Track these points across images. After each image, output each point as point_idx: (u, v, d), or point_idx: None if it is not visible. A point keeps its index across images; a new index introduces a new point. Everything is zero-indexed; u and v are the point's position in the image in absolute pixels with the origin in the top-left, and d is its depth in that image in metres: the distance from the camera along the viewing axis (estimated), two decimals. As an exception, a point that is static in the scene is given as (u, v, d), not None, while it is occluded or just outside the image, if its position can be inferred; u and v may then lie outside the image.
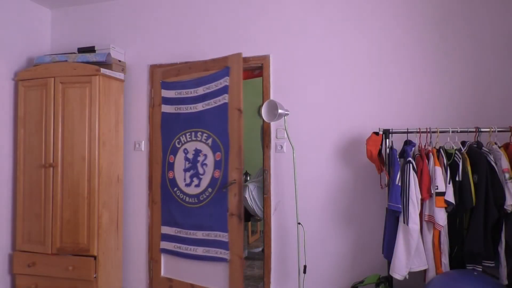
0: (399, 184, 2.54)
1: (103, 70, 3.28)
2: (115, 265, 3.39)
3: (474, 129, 2.60)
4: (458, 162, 2.49)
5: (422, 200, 2.54)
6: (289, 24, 3.27)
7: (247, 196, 4.62)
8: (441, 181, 2.47)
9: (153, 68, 3.55)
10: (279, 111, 2.88)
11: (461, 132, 2.62)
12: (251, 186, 4.69)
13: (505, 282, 2.39)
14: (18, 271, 3.33)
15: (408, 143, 2.72)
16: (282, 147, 3.25)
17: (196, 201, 3.22)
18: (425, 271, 2.56)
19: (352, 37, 3.14)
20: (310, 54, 3.22)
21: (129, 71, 3.64)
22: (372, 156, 2.74)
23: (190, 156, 3.29)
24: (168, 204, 3.38)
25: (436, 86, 2.95)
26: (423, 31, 2.99)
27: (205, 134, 3.21)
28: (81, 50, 3.54)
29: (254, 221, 5.22)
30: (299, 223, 2.97)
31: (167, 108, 3.44)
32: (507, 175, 2.39)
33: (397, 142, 2.79)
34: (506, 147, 2.54)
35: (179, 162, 3.34)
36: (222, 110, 3.14)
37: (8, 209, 3.42)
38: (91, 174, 3.21)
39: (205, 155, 3.20)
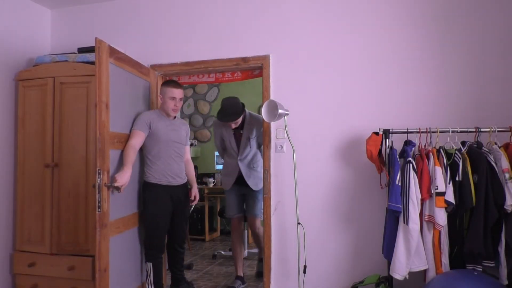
0: (399, 184, 2.54)
1: (103, 70, 3.27)
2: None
3: (474, 129, 2.60)
4: (458, 162, 2.49)
5: (422, 200, 2.54)
6: (289, 24, 3.27)
7: None
8: (441, 181, 2.47)
9: (153, 68, 3.55)
10: (279, 111, 2.88)
11: (461, 132, 2.62)
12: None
13: (505, 282, 2.39)
14: (18, 271, 3.34)
15: (408, 143, 2.72)
16: (282, 147, 3.25)
17: None
18: (425, 271, 2.56)
19: (352, 37, 3.14)
20: (310, 54, 3.22)
21: (129, 71, 3.64)
22: (372, 156, 2.74)
23: None
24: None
25: (436, 86, 2.95)
26: (423, 31, 2.99)
27: None
28: (81, 50, 3.54)
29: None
30: (299, 223, 2.97)
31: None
32: (507, 175, 2.39)
33: (397, 142, 2.79)
34: (506, 147, 2.54)
35: None
36: None
37: (8, 209, 3.42)
38: (91, 174, 3.21)
39: None
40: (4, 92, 3.42)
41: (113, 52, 2.82)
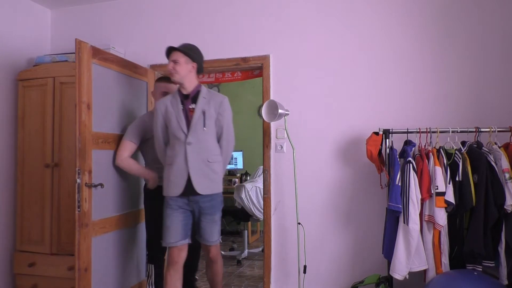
0: (399, 184, 2.54)
1: (103, 70, 3.27)
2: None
3: (474, 129, 2.60)
4: (458, 162, 2.49)
5: (422, 200, 2.54)
6: (289, 24, 3.27)
7: (243, 196, 4.61)
8: (441, 181, 2.47)
9: (153, 68, 3.54)
10: (279, 111, 2.88)
11: (461, 132, 2.62)
12: (248, 186, 4.68)
13: (505, 282, 2.39)
14: (18, 271, 3.34)
15: (408, 143, 2.72)
16: (282, 147, 3.25)
17: None
18: (425, 271, 2.56)
19: (352, 37, 3.14)
20: (310, 54, 3.22)
21: (129, 71, 3.63)
22: (372, 156, 2.74)
23: None
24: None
25: (436, 86, 2.95)
26: (423, 31, 2.99)
27: None
28: (81, 50, 3.54)
29: (254, 221, 5.21)
30: (299, 223, 2.97)
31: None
32: (507, 175, 2.39)
33: (397, 142, 2.79)
34: (506, 147, 2.54)
35: None
36: None
37: (8, 209, 3.42)
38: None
39: None
40: (4, 92, 3.42)
41: (97, 52, 2.81)
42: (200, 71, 2.72)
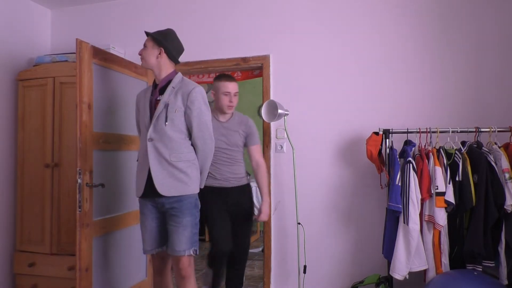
0: (399, 184, 2.54)
1: (103, 70, 3.27)
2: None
3: (474, 129, 2.60)
4: (458, 162, 2.49)
5: (422, 200, 2.54)
6: (289, 24, 3.27)
7: None
8: (441, 181, 2.47)
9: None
10: (279, 111, 2.88)
11: (461, 132, 2.62)
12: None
13: (505, 282, 2.39)
14: (18, 271, 3.33)
15: (408, 143, 2.72)
16: (282, 147, 3.25)
17: None
18: (425, 271, 2.56)
19: (352, 37, 3.14)
20: (310, 54, 3.22)
21: (129, 71, 3.63)
22: (372, 156, 2.74)
23: None
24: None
25: (436, 86, 2.95)
26: (423, 31, 2.99)
27: None
28: (81, 50, 3.54)
29: (254, 221, 5.19)
30: (299, 223, 2.97)
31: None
32: (507, 175, 2.39)
33: (397, 142, 2.79)
34: (506, 147, 2.54)
35: None
36: None
37: (8, 209, 3.41)
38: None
39: None
40: (4, 92, 3.42)
41: (97, 52, 2.81)
42: (172, 58, 2.41)
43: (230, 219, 2.80)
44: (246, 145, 2.90)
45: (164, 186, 2.27)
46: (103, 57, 2.87)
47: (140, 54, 2.43)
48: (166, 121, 2.28)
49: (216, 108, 2.85)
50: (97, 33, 3.73)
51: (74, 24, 3.84)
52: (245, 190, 2.91)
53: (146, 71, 3.38)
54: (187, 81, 2.40)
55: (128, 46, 3.61)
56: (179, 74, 2.43)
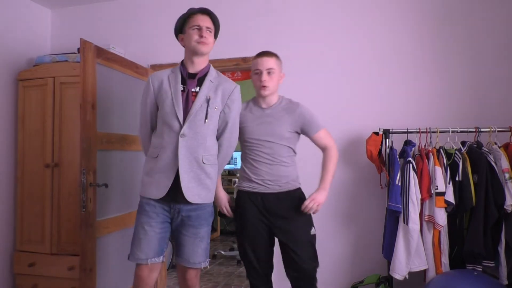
0: (399, 184, 2.54)
1: (103, 70, 3.27)
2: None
3: (474, 129, 2.60)
4: (458, 162, 2.49)
5: (422, 200, 2.54)
6: (290, 24, 3.27)
7: None
8: (441, 181, 2.47)
9: (153, 68, 3.54)
10: (279, 111, 2.85)
11: (461, 132, 2.62)
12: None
13: (505, 282, 2.39)
14: (18, 271, 3.33)
15: (408, 143, 2.72)
16: (282, 147, 3.25)
17: None
18: (425, 271, 2.56)
19: (352, 37, 3.14)
20: (309, 54, 3.21)
21: (129, 71, 3.63)
22: (372, 156, 2.74)
23: None
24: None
25: (436, 86, 2.95)
26: (423, 31, 2.99)
27: None
28: (81, 50, 3.54)
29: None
30: (299, 223, 2.96)
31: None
32: (507, 175, 2.39)
33: (397, 142, 2.79)
34: (506, 147, 2.54)
35: None
36: None
37: (8, 209, 3.42)
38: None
39: None
40: (4, 92, 3.42)
41: (101, 52, 2.81)
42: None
43: (272, 234, 2.29)
44: (307, 135, 2.40)
45: (191, 191, 2.01)
46: (106, 57, 2.88)
47: (204, 37, 2.08)
48: (206, 117, 2.04)
49: (257, 94, 2.36)
50: (97, 33, 3.73)
51: (74, 24, 3.84)
52: (294, 196, 2.31)
53: (147, 71, 3.38)
54: (223, 76, 2.19)
55: (128, 46, 3.61)
56: (212, 67, 2.18)
